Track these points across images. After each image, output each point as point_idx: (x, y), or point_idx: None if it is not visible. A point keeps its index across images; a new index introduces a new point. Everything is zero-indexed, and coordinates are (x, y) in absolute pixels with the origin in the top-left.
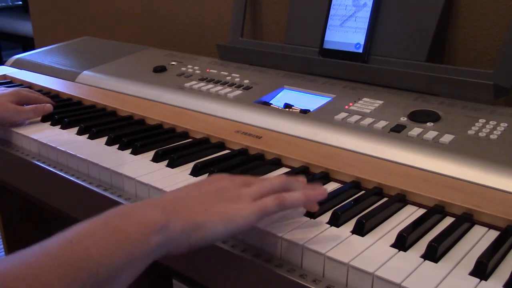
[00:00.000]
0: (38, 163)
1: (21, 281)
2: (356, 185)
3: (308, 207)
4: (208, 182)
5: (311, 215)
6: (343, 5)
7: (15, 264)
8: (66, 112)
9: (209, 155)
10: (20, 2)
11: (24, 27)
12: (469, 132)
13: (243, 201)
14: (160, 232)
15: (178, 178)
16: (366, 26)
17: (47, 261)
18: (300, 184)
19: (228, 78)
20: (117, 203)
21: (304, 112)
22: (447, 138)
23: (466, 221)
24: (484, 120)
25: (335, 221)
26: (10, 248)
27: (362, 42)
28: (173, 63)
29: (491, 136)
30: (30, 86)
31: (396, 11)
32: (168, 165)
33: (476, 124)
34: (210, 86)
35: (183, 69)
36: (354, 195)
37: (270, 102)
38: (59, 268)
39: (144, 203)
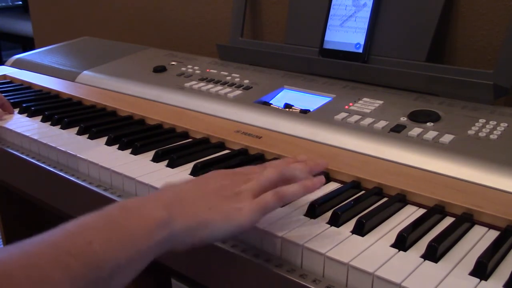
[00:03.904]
0: (38, 163)
1: (19, 269)
2: (356, 185)
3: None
4: (207, 180)
5: (311, 215)
6: (343, 5)
7: (14, 252)
8: (66, 112)
9: (209, 155)
10: (20, 2)
11: (24, 27)
12: (469, 132)
13: (244, 199)
14: (163, 228)
15: (178, 178)
16: (366, 26)
17: (48, 251)
18: (298, 170)
19: (228, 78)
20: None
21: (304, 112)
22: (447, 138)
23: (466, 221)
24: (484, 120)
25: (335, 221)
26: None
27: (362, 42)
28: (173, 63)
29: (491, 136)
30: (30, 86)
31: (396, 11)
32: (168, 165)
33: (476, 124)
34: (210, 86)
35: (183, 69)
36: (354, 195)
37: (270, 102)
38: (60, 258)
39: (147, 198)
